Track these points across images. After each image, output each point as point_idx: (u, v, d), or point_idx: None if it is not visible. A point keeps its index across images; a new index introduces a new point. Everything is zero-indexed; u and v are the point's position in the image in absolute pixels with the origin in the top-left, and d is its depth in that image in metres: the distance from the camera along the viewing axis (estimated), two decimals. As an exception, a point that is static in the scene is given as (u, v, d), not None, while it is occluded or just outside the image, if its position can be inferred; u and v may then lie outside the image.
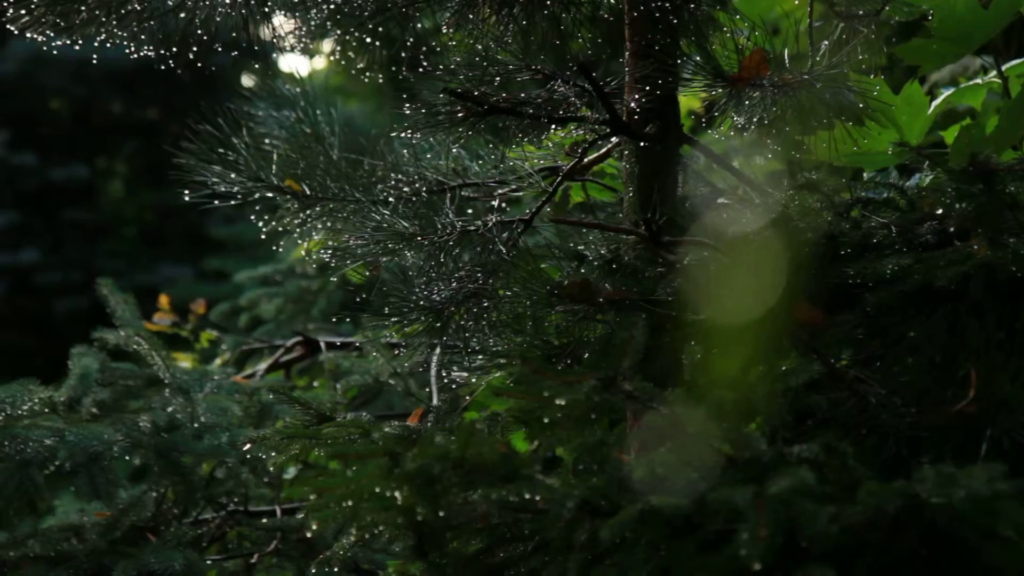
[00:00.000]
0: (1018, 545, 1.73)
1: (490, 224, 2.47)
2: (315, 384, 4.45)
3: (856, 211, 2.36)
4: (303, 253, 4.94)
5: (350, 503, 1.92)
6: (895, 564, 1.85)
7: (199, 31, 2.64)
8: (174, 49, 2.66)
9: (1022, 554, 1.74)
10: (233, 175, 2.76)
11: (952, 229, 2.23)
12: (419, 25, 2.63)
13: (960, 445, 1.99)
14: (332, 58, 2.85)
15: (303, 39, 2.75)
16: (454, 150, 2.64)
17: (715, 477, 1.91)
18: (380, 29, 2.65)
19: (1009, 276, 2.10)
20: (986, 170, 2.19)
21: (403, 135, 2.55)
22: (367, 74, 2.76)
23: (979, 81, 2.70)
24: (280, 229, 2.77)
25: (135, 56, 2.67)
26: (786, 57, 2.38)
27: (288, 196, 2.72)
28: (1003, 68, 2.59)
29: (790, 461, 1.92)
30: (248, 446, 3.05)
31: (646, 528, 1.85)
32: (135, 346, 3.46)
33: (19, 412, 3.16)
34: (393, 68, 2.72)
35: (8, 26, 2.60)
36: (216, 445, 3.20)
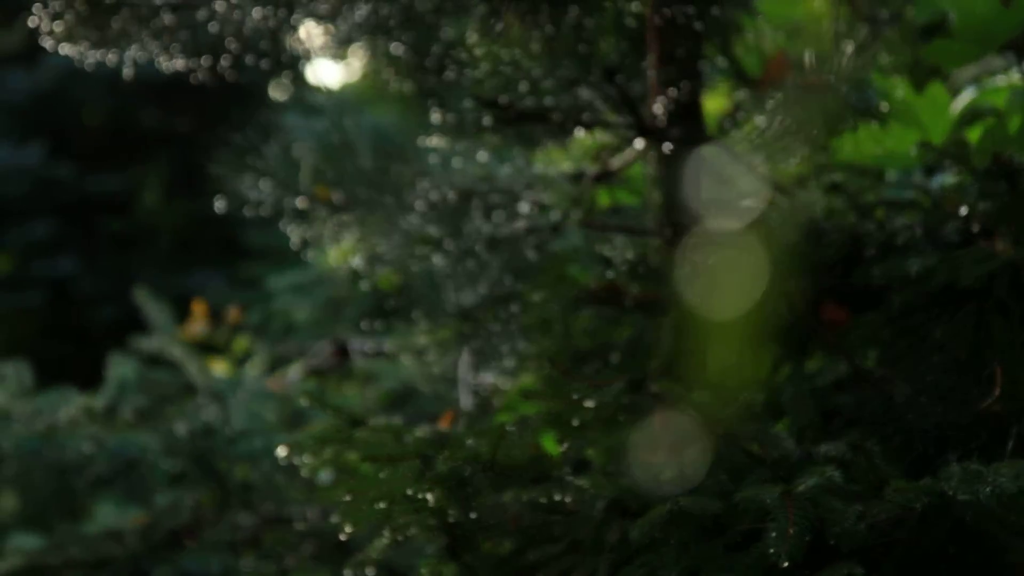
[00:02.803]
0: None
1: (518, 229, 2.50)
2: (347, 389, 4.48)
3: (881, 212, 2.37)
4: (334, 260, 4.98)
5: (383, 506, 1.95)
6: (923, 561, 1.87)
7: (230, 43, 2.68)
8: (206, 61, 2.70)
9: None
10: (264, 184, 2.80)
11: (976, 229, 2.24)
12: (445, 34, 2.66)
13: (986, 443, 2.00)
14: (360, 67, 2.88)
15: (331, 49, 2.79)
16: (482, 156, 2.67)
17: (743, 477, 1.93)
18: (407, 38, 2.68)
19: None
20: (1010, 169, 2.20)
21: (431, 142, 2.58)
22: (395, 83, 2.79)
23: (1002, 80, 2.70)
24: (311, 237, 2.81)
25: (168, 69, 2.71)
26: (809, 59, 2.39)
27: (318, 204, 2.75)
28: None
29: (817, 460, 1.93)
30: (282, 451, 3.09)
31: (675, 528, 1.87)
32: (171, 354, 3.51)
33: (58, 420, 3.21)
34: (421, 77, 2.75)
35: (42, 41, 2.65)
36: (251, 450, 3.24)
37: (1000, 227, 2.18)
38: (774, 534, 1.77)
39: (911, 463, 2.03)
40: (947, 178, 2.49)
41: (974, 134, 2.65)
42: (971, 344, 2.11)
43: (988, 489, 1.77)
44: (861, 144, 2.38)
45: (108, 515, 3.39)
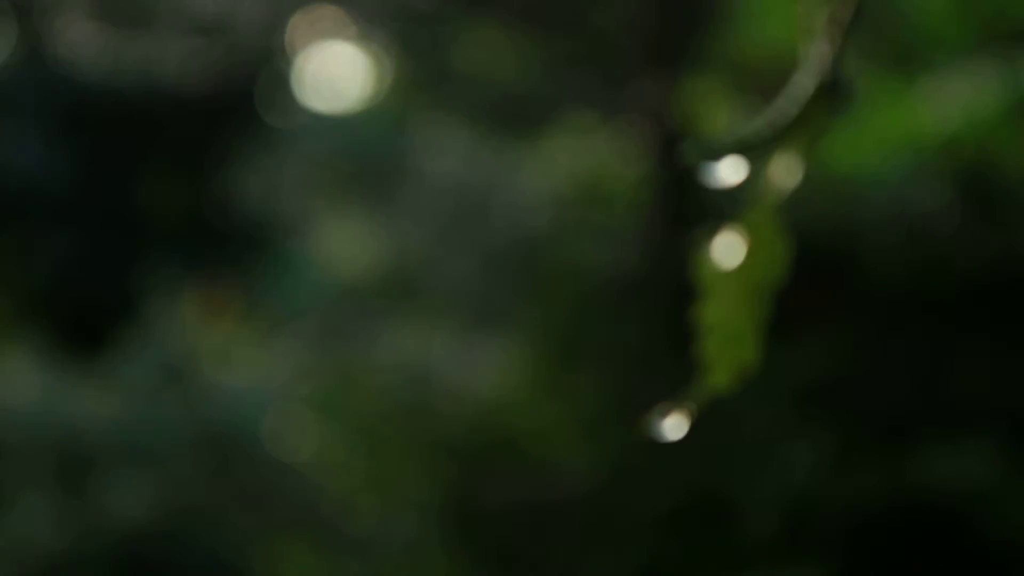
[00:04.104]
0: (1020, 524, 1.82)
1: (516, 233, 2.56)
2: (350, 382, 4.53)
3: (863, 213, 2.43)
4: (336, 258, 5.04)
5: (387, 491, 2.03)
6: (902, 543, 1.94)
7: (233, 47, 2.75)
8: (212, 62, 2.78)
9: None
10: (272, 183, 2.87)
11: (954, 229, 2.30)
12: (445, 44, 2.73)
13: (963, 432, 2.06)
14: (364, 67, 2.96)
15: (336, 48, 2.86)
16: (481, 160, 2.73)
17: (727, 463, 2.01)
18: (407, 41, 2.75)
19: (1008, 275, 2.18)
20: (988, 173, 2.27)
21: (431, 145, 2.65)
22: (396, 82, 2.86)
23: (982, 83, 2.76)
24: (317, 233, 2.88)
25: (178, 68, 2.79)
26: (794, 65, 2.46)
27: (321, 203, 2.83)
28: (1005, 70, 2.65)
29: (799, 447, 2.01)
30: (290, 436, 3.16)
31: (665, 512, 1.95)
32: (177, 341, 3.57)
33: (66, 407, 3.26)
34: (421, 79, 2.82)
35: (50, 40, 2.72)
36: (259, 435, 3.30)
37: (977, 228, 2.24)
38: (757, 518, 1.85)
39: (891, 450, 2.10)
40: (927, 180, 2.55)
41: (954, 136, 2.71)
42: (948, 339, 2.17)
43: (966, 475, 1.85)
44: (844, 147, 2.44)
45: (115, 503, 3.44)
